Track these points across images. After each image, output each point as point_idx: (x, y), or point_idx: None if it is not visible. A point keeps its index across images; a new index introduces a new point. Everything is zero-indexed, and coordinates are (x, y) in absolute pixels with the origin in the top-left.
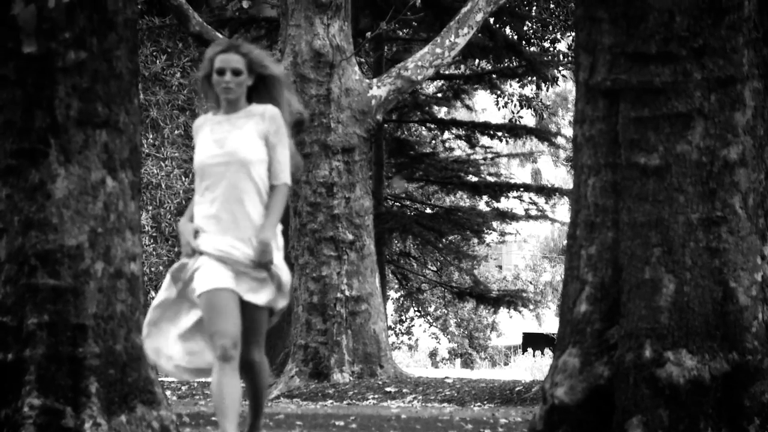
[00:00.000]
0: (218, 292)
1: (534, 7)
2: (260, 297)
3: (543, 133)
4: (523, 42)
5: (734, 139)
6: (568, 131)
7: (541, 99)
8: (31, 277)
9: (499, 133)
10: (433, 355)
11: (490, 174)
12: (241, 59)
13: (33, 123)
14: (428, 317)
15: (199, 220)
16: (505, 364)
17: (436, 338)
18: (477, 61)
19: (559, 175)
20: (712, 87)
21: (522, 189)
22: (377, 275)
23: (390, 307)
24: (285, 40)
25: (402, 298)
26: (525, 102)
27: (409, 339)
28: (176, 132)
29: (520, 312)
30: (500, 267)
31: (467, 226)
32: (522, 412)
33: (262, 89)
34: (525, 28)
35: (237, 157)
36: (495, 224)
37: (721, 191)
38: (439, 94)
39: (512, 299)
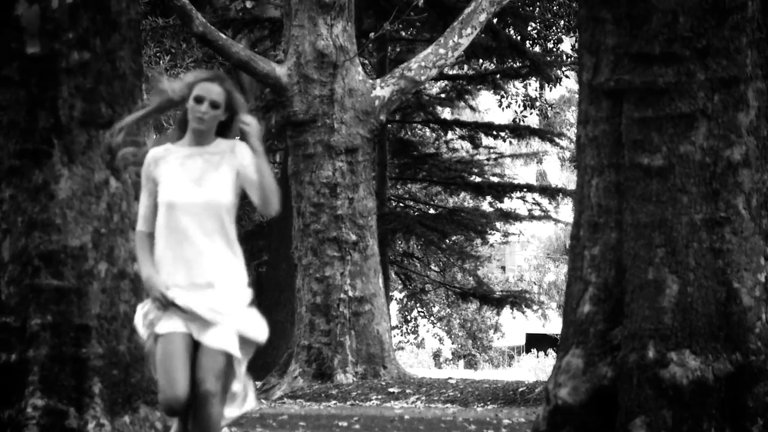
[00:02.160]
0: (173, 336)
1: (537, 8)
2: (216, 340)
3: (546, 134)
4: (527, 42)
5: (738, 139)
6: (572, 132)
7: (545, 99)
8: (34, 278)
9: (503, 134)
10: (436, 356)
11: (493, 174)
12: (222, 93)
13: (36, 123)
14: (431, 318)
15: (165, 261)
16: (509, 365)
17: (439, 339)
18: (480, 61)
19: (565, 176)
20: (716, 87)
21: (525, 189)
22: (381, 276)
23: (393, 307)
24: (288, 41)
25: (405, 299)
26: (528, 102)
27: (415, 339)
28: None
29: (523, 312)
30: (503, 268)
31: (470, 226)
32: (525, 412)
33: (227, 124)
34: (528, 28)
35: (216, 200)
36: (498, 225)
37: (724, 192)
38: (443, 95)
39: (515, 300)
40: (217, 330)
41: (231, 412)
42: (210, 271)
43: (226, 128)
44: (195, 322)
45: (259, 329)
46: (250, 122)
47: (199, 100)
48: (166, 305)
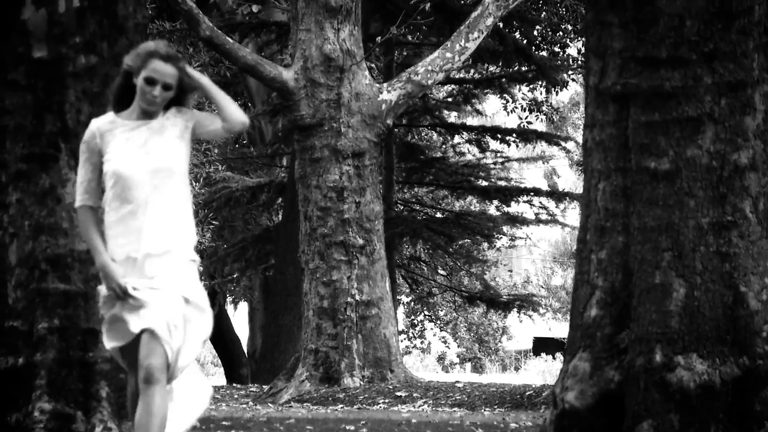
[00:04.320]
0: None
1: (544, 12)
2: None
3: (553, 137)
4: (533, 46)
5: (744, 143)
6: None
7: (551, 103)
8: (41, 282)
9: (510, 138)
10: (441, 359)
11: (500, 178)
12: (175, 74)
13: (43, 128)
14: (438, 322)
15: (117, 233)
16: (516, 368)
17: (445, 342)
18: (487, 65)
19: (575, 177)
20: (723, 91)
21: (532, 193)
22: (388, 280)
23: (400, 311)
24: (295, 45)
25: (413, 303)
26: (534, 106)
27: (422, 343)
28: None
29: (530, 316)
30: (511, 271)
31: (477, 230)
32: (533, 416)
33: (178, 98)
34: (535, 32)
35: (165, 165)
36: (505, 228)
37: (731, 196)
38: (450, 99)
39: (522, 303)
40: (156, 310)
41: (181, 415)
42: (164, 239)
43: (177, 102)
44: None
45: (203, 299)
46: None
47: (151, 81)
48: (121, 297)
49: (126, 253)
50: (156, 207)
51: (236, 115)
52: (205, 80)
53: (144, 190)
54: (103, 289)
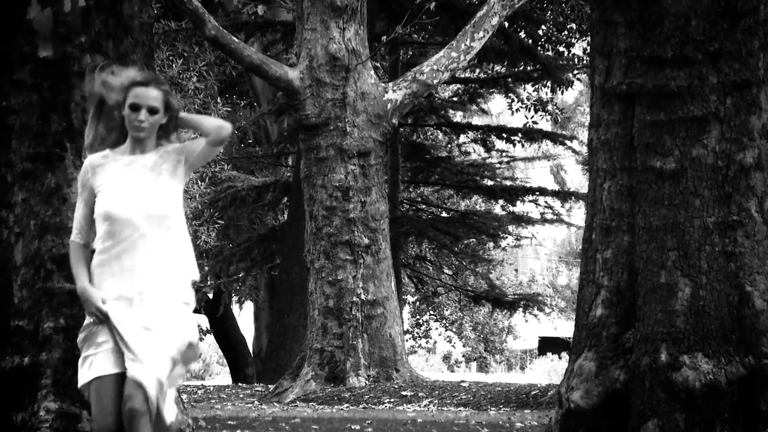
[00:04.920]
0: (105, 378)
1: (549, 11)
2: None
3: (559, 137)
4: (539, 46)
5: (750, 143)
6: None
7: (556, 103)
8: (47, 281)
9: (515, 137)
10: (446, 358)
11: (505, 178)
12: (159, 96)
13: (49, 127)
14: (444, 321)
15: (105, 274)
16: (521, 368)
17: (450, 342)
18: (492, 64)
19: (581, 177)
20: (728, 91)
21: (538, 193)
22: (393, 279)
23: (406, 311)
24: (300, 44)
25: (418, 302)
26: (540, 106)
27: (427, 342)
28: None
29: (535, 316)
30: (516, 270)
31: (483, 229)
32: (538, 416)
33: (167, 125)
34: (540, 31)
35: (157, 211)
36: (511, 228)
37: (736, 195)
38: (455, 98)
39: (528, 303)
40: (146, 359)
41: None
42: (157, 279)
43: (166, 129)
44: (124, 341)
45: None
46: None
47: (135, 108)
48: (102, 320)
49: (119, 292)
50: (149, 247)
51: (214, 124)
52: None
53: (137, 231)
54: (85, 322)
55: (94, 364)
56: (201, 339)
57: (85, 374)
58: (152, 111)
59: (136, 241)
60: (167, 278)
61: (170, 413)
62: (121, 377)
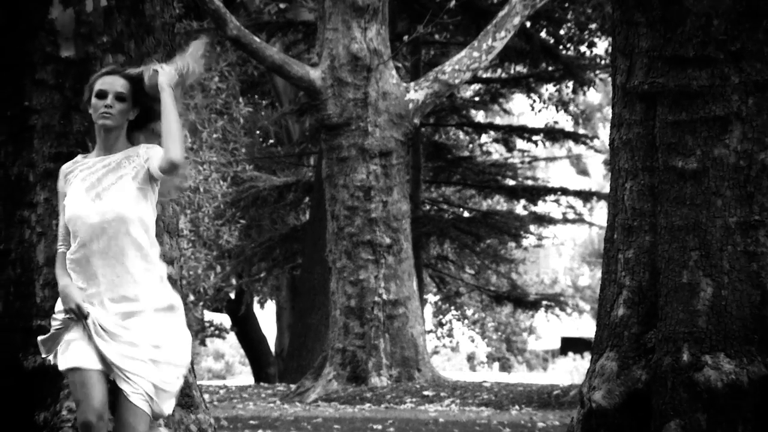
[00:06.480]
0: (86, 372)
1: (571, 11)
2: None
3: (581, 137)
4: (560, 46)
5: None
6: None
7: (578, 103)
8: None
9: (537, 137)
10: (470, 358)
11: (527, 177)
12: (126, 84)
13: (71, 127)
14: (466, 321)
15: (77, 277)
16: (543, 368)
17: (473, 341)
18: (513, 64)
19: (604, 174)
20: (750, 90)
21: (559, 192)
22: (415, 279)
23: (428, 310)
24: (322, 44)
25: (440, 302)
26: (561, 106)
27: (450, 342)
28: (214, 136)
29: (557, 316)
30: (537, 275)
31: (504, 229)
32: (560, 416)
33: (142, 121)
34: (562, 31)
35: (117, 215)
36: (532, 228)
37: (758, 195)
38: (477, 98)
39: (550, 303)
40: (135, 376)
41: None
42: (121, 287)
43: (138, 129)
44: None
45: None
46: (162, 67)
47: (101, 95)
48: (80, 318)
49: (85, 296)
50: (111, 254)
51: (172, 149)
52: (166, 94)
53: (96, 235)
54: (57, 317)
55: (76, 351)
56: (223, 338)
57: (68, 359)
58: (120, 98)
59: (98, 246)
60: (132, 287)
61: (168, 408)
62: (104, 375)
